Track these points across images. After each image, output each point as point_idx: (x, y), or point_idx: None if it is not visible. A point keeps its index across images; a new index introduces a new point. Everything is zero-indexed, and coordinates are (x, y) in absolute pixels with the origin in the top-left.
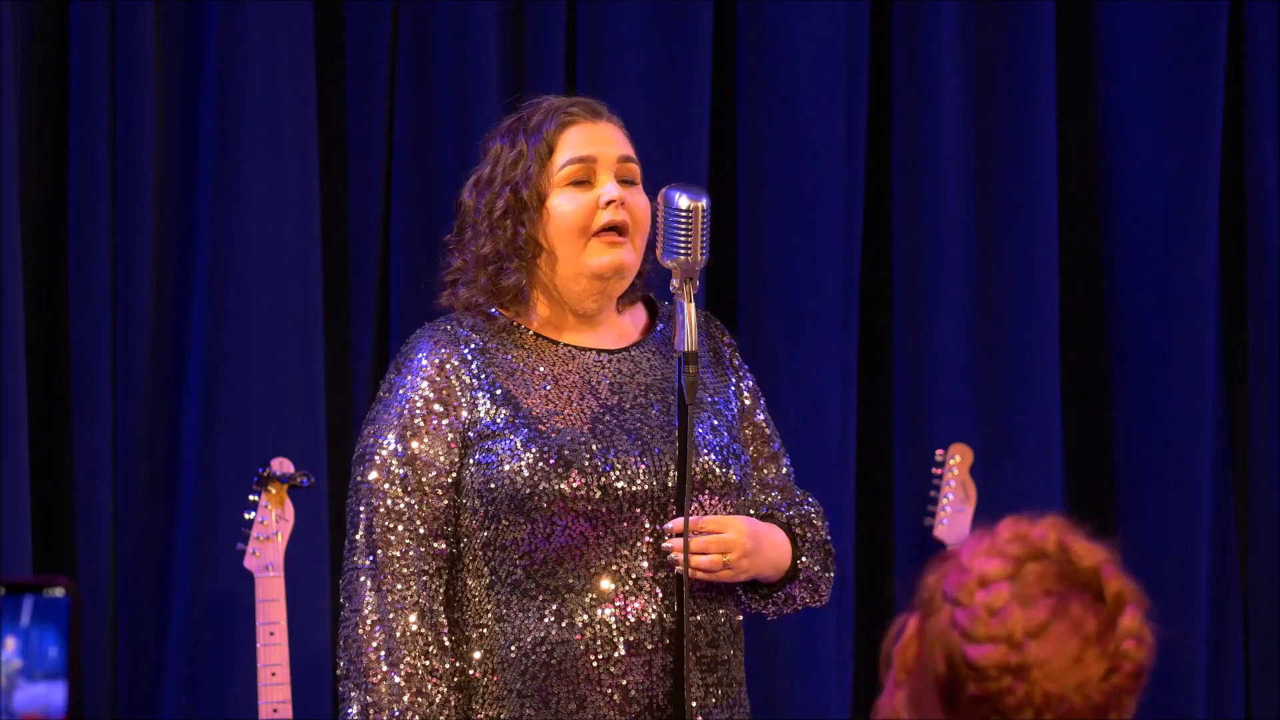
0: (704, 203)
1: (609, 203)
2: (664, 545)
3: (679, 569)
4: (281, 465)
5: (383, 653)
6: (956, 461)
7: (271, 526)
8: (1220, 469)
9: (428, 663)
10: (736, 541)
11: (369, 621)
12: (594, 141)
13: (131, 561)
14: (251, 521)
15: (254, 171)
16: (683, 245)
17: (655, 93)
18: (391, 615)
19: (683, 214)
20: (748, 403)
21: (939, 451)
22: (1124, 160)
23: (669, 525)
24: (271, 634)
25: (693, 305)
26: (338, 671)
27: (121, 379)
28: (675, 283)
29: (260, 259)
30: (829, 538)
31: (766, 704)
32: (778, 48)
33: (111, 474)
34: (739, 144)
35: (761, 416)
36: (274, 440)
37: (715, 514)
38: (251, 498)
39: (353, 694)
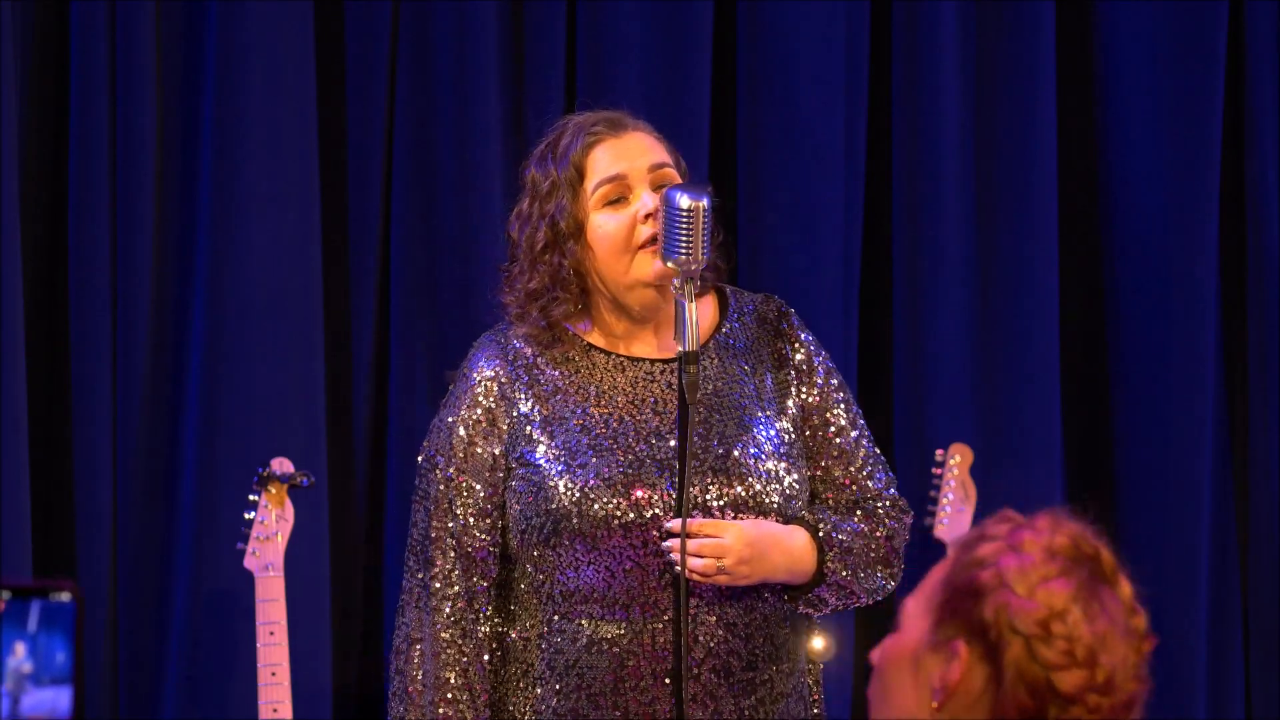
0: (705, 203)
1: (647, 216)
2: (664, 545)
3: (678, 568)
4: (281, 465)
5: (419, 673)
6: (956, 461)
7: (271, 526)
8: (1220, 469)
9: (463, 680)
10: (731, 547)
11: (412, 637)
12: (621, 157)
13: (131, 561)
14: (251, 521)
15: (254, 171)
16: (684, 245)
17: (655, 93)
18: (431, 633)
19: (683, 214)
20: (814, 401)
21: (939, 451)
22: (1124, 160)
23: (668, 525)
24: (271, 634)
25: (694, 305)
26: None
27: (121, 379)
28: (676, 283)
29: (260, 259)
30: (892, 535)
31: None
32: (778, 48)
33: (111, 474)
34: (739, 144)
35: (834, 412)
36: (274, 440)
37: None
38: (251, 498)
39: (391, 703)
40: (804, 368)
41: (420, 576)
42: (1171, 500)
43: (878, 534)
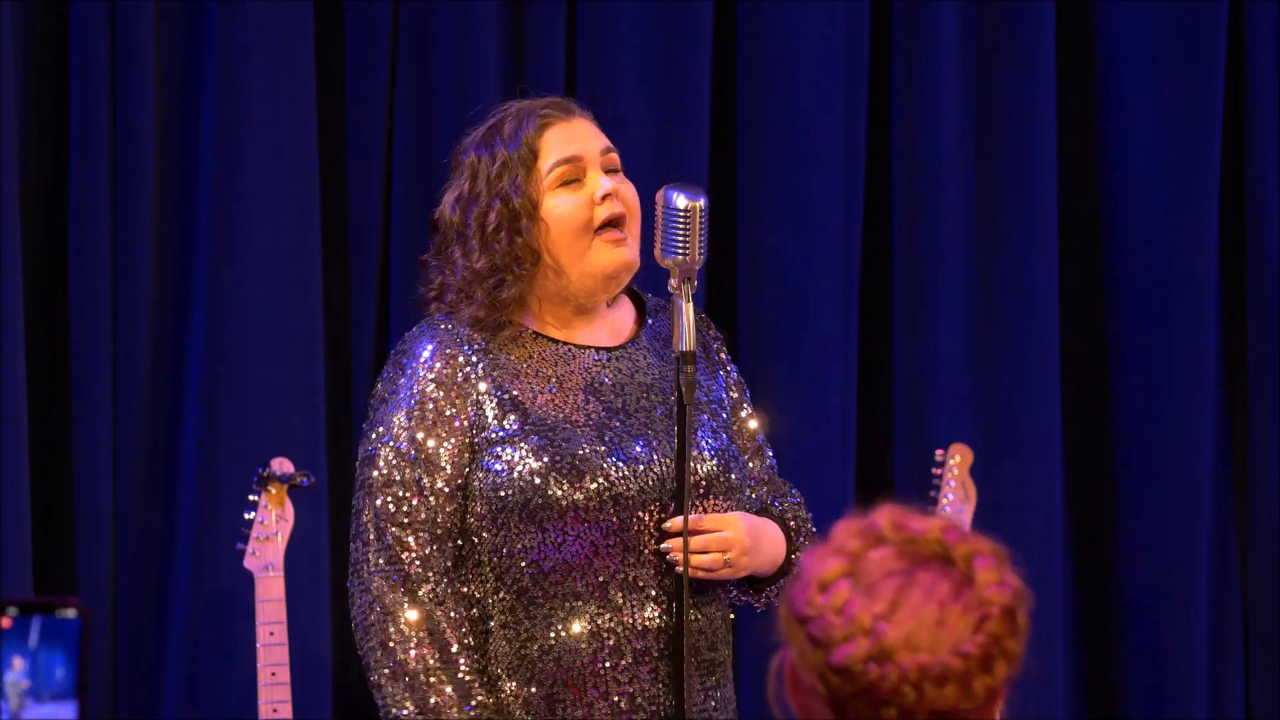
0: (702, 202)
1: (605, 197)
2: (663, 546)
3: (679, 569)
4: (281, 465)
5: (390, 654)
6: (956, 461)
7: (271, 526)
8: (1220, 469)
9: (437, 660)
10: (736, 539)
11: (385, 620)
12: (575, 139)
13: (131, 561)
14: (251, 521)
15: (254, 171)
16: (681, 245)
17: (655, 93)
18: (404, 617)
19: (681, 214)
20: (734, 396)
21: (939, 451)
22: (1124, 161)
23: (668, 525)
24: (271, 634)
25: (691, 305)
26: (370, 671)
27: (121, 379)
28: (674, 282)
29: (260, 259)
30: (815, 529)
31: (760, 704)
32: (778, 48)
33: (111, 474)
34: (739, 144)
35: (746, 411)
36: (274, 440)
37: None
38: (251, 498)
39: (386, 687)
40: (723, 363)
41: (391, 557)
42: (1171, 500)
43: (809, 525)
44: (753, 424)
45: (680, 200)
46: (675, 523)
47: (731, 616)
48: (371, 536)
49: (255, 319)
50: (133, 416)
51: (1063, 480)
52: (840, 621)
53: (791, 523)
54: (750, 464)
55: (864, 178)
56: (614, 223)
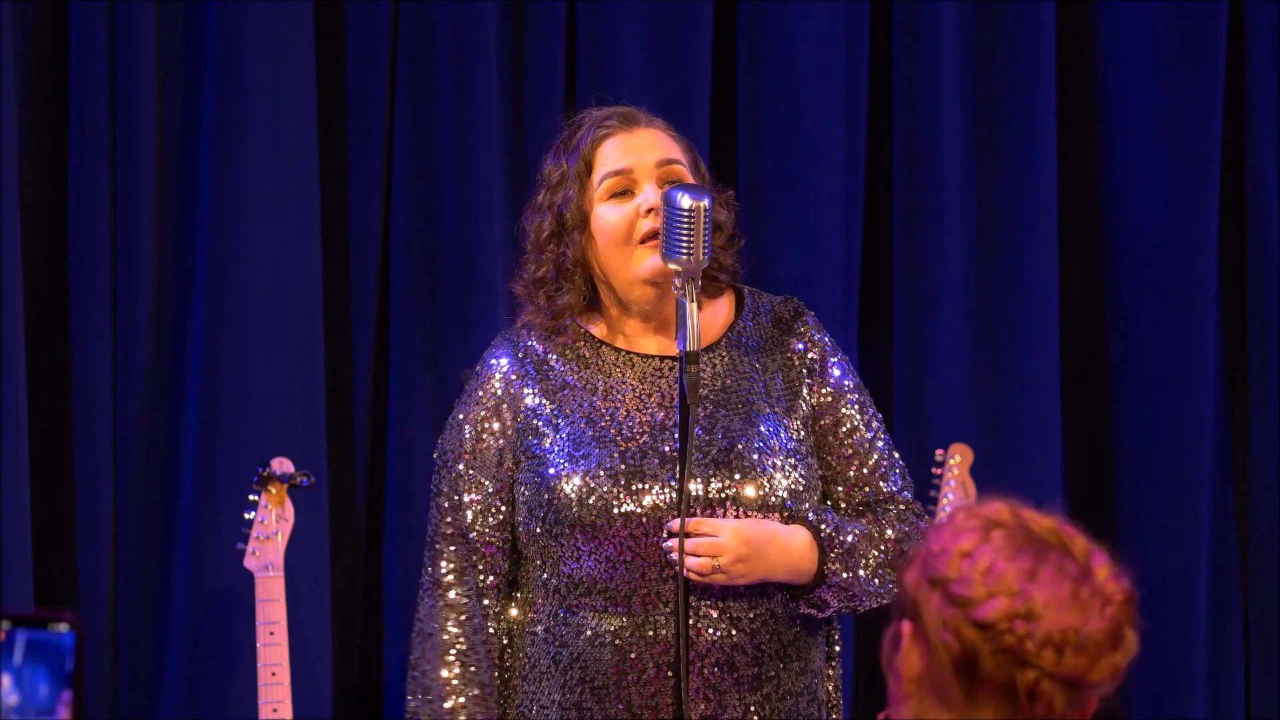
0: (705, 203)
1: (649, 210)
2: (665, 544)
3: (676, 568)
4: (281, 465)
5: (427, 666)
6: (956, 461)
7: (271, 526)
8: (1220, 469)
9: (467, 676)
10: (726, 545)
11: (424, 631)
12: (629, 151)
13: (131, 561)
14: (251, 521)
15: (254, 171)
16: (685, 245)
17: (655, 93)
18: (438, 626)
19: (684, 214)
20: (827, 400)
21: (939, 451)
22: (1124, 160)
23: (669, 525)
24: (271, 634)
25: (694, 305)
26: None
27: (121, 379)
28: (677, 283)
29: (260, 259)
30: (902, 539)
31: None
32: (778, 48)
33: (111, 474)
34: (739, 144)
35: (847, 412)
36: (274, 440)
37: None
38: (251, 498)
39: (407, 697)
40: (816, 367)
41: (431, 571)
42: (1171, 500)
43: (887, 535)
44: (845, 425)
45: (684, 200)
46: (675, 524)
47: (795, 631)
48: (425, 545)
49: (255, 319)
50: (133, 416)
51: (1063, 480)
52: (986, 581)
53: (825, 534)
54: (845, 470)
55: (864, 178)
56: (656, 235)
